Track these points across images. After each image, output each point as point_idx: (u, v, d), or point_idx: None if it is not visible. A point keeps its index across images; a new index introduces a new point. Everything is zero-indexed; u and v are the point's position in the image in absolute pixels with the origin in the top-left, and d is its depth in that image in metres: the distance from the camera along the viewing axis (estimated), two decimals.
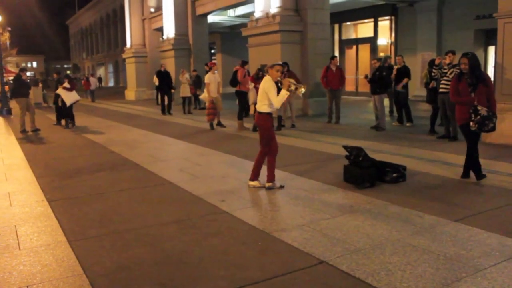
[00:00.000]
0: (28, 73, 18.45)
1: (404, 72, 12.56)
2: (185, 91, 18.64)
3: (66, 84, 14.47)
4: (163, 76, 18.57)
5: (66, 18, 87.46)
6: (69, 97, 14.38)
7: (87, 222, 5.18)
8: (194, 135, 12.12)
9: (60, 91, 14.48)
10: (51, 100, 24.40)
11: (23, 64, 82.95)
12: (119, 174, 7.76)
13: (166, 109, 18.47)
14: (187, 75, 18.83)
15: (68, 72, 73.26)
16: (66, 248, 4.38)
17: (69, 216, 5.44)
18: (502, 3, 9.38)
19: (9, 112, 19.73)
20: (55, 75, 16.60)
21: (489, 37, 18.75)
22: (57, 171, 8.07)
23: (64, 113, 14.74)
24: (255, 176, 6.55)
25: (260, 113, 6.42)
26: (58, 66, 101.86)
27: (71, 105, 14.56)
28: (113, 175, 7.65)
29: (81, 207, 5.79)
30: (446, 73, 9.83)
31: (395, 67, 12.89)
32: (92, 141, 11.68)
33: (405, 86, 12.56)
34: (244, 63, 13.28)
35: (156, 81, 23.90)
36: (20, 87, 13.52)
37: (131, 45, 30.97)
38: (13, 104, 16.46)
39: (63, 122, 15.07)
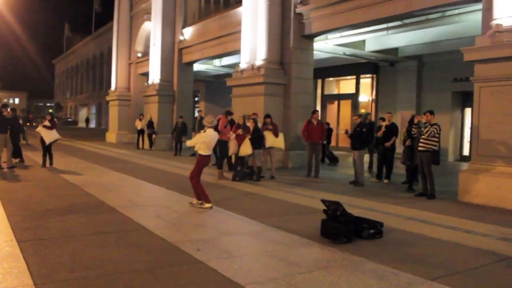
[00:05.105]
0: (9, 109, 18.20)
1: (393, 130, 12.76)
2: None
3: (47, 123, 14.38)
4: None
5: (54, 57, 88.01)
6: (49, 135, 14.25)
7: (56, 265, 5.04)
8: (172, 181, 12.03)
9: (40, 129, 14.36)
10: (30, 138, 24.24)
11: (5, 100, 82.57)
12: (93, 217, 7.61)
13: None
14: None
15: (51, 110, 73.02)
16: None
17: (39, 258, 5.29)
18: (478, 69, 9.77)
19: None
20: (31, 116, 16.49)
21: (465, 99, 19.39)
22: (30, 211, 7.89)
23: (43, 151, 14.53)
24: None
25: None
26: (41, 104, 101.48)
27: (50, 144, 14.40)
28: (88, 218, 7.50)
29: (52, 249, 5.64)
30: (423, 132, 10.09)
31: (384, 123, 13.03)
32: (68, 182, 11.50)
33: (392, 144, 12.70)
34: (228, 113, 13.36)
35: (138, 125, 24.01)
36: (0, 123, 13.34)
37: (116, 88, 31.12)
38: None
39: (40, 160, 14.84)
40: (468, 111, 19.48)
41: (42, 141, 14.36)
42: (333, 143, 24.51)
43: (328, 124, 18.00)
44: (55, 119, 16.62)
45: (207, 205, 8.45)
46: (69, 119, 68.90)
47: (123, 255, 5.53)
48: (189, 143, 9.14)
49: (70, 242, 6.02)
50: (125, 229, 6.83)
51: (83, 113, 69.81)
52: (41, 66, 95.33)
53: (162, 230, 6.76)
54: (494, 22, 9.36)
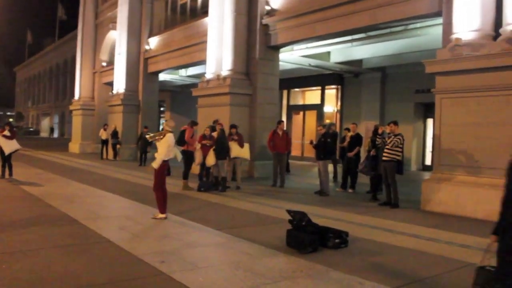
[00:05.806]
0: None
1: (358, 140, 12.91)
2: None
3: (6, 132, 13.96)
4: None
5: (15, 65, 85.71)
6: (8, 145, 13.84)
7: (15, 281, 4.87)
8: (136, 192, 11.84)
9: None
10: None
11: None
12: (54, 229, 7.41)
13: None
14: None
15: (11, 120, 71.14)
16: None
17: None
18: (439, 81, 10.03)
19: None
20: None
21: (427, 110, 19.87)
22: None
23: (2, 162, 14.09)
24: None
25: None
26: (1, 113, 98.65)
27: (9, 154, 13.98)
28: (48, 231, 7.30)
29: (10, 263, 5.45)
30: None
31: (349, 134, 13.18)
32: (29, 193, 11.18)
33: (357, 154, 12.85)
34: (193, 123, 13.28)
35: (102, 135, 23.60)
36: None
37: (80, 97, 30.56)
38: None
39: None
40: (430, 122, 19.96)
41: (1, 151, 13.92)
42: (294, 153, 24.64)
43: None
44: (15, 129, 16.16)
45: (161, 215, 8.39)
46: (31, 129, 67.18)
47: (86, 268, 5.39)
48: (160, 159, 8.29)
49: (30, 256, 5.83)
50: (87, 242, 6.67)
51: (45, 122, 68.21)
52: (2, 73, 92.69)
53: (126, 242, 6.63)
54: (454, 36, 9.64)
